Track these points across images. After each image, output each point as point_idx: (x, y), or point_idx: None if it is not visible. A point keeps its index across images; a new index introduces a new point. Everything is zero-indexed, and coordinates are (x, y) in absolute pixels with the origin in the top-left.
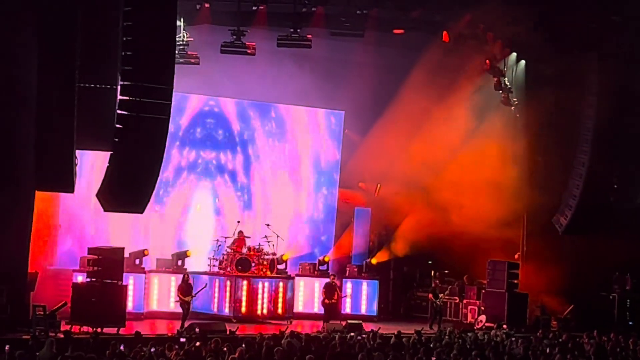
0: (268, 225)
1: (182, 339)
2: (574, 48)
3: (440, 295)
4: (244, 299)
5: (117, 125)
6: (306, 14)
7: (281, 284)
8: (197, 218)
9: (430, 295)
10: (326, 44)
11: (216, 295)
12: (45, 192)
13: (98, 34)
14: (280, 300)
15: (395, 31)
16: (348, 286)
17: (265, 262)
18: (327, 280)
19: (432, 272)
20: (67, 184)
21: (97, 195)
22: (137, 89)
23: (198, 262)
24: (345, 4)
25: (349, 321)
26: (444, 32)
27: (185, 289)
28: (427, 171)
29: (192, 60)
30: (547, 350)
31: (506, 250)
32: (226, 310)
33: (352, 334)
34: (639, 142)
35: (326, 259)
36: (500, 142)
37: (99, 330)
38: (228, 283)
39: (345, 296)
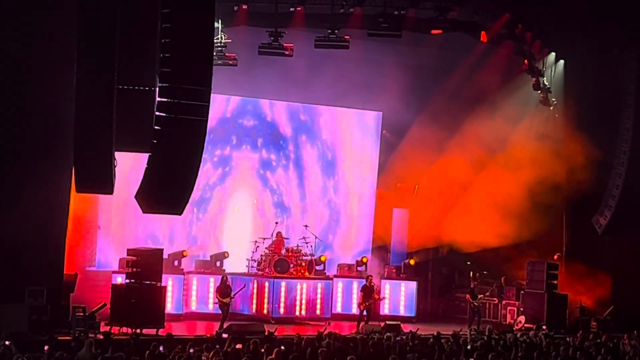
0: (306, 226)
1: (225, 335)
2: (613, 47)
3: (479, 296)
4: (282, 300)
5: (156, 127)
6: (344, 15)
7: (319, 284)
8: (235, 219)
9: (468, 296)
10: (364, 44)
11: (254, 296)
12: (84, 194)
13: (136, 36)
14: (318, 301)
15: (433, 32)
16: (386, 287)
17: (303, 263)
18: (365, 282)
19: (471, 272)
20: (106, 185)
21: (136, 196)
22: (175, 91)
23: (236, 263)
24: (382, 4)
25: (387, 322)
26: (482, 33)
27: (224, 291)
28: (465, 171)
29: (230, 62)
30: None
31: (546, 251)
32: (264, 311)
33: (389, 334)
34: None
35: (364, 260)
36: (539, 142)
37: (138, 331)
38: (266, 284)
39: (383, 298)
